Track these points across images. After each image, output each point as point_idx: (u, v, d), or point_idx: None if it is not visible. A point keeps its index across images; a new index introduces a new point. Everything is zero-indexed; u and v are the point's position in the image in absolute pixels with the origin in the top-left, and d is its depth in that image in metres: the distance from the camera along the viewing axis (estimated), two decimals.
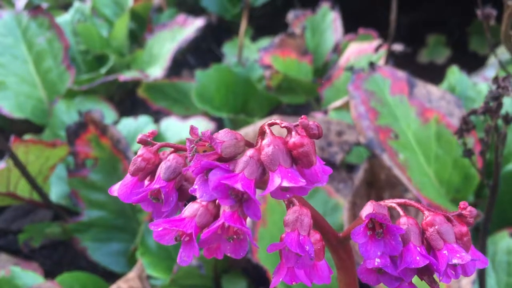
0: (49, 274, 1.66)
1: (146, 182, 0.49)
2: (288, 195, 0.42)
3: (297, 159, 0.41)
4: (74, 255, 1.83)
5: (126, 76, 2.03)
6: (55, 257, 1.82)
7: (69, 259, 1.82)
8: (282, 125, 0.42)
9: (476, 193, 1.47)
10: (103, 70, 2.11)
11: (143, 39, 2.37)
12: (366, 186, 1.45)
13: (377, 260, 0.47)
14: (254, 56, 2.35)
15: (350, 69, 1.31)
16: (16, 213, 2.02)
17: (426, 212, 0.50)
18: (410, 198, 1.40)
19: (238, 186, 0.40)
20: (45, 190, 1.63)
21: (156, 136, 1.91)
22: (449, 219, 0.50)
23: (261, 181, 0.43)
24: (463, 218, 0.51)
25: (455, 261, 0.47)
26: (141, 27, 2.70)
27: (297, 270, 0.46)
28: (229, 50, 2.63)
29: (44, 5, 2.19)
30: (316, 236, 0.48)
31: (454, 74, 1.69)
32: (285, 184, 0.40)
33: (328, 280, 0.48)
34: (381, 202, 0.49)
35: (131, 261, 1.58)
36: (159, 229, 0.42)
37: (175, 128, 1.82)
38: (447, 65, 2.62)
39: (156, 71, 2.10)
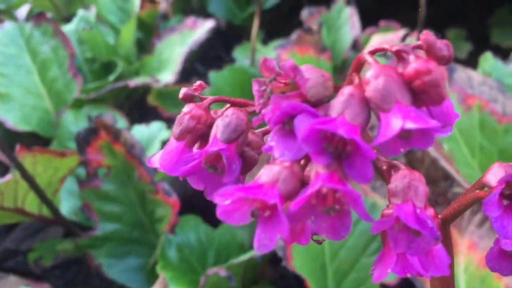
0: None
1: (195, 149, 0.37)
2: (402, 149, 0.30)
3: (420, 94, 0.29)
4: (88, 274, 1.71)
5: (136, 81, 1.92)
6: (68, 277, 1.69)
7: (83, 278, 1.70)
8: (394, 48, 0.30)
9: None
10: (112, 77, 2.00)
11: (151, 45, 2.27)
12: None
13: None
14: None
15: (384, 55, 1.19)
16: (25, 233, 1.90)
17: None
18: (460, 193, 1.28)
19: (341, 131, 0.28)
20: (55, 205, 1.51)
21: None
22: None
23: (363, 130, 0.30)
24: None
25: None
26: (148, 36, 2.60)
27: (410, 257, 0.34)
28: (240, 55, 2.52)
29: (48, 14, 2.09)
30: (430, 210, 0.35)
31: (489, 61, 1.58)
32: (410, 125, 0.27)
33: (447, 271, 0.36)
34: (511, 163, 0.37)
35: (151, 277, 1.45)
36: (226, 202, 0.29)
37: None
38: (468, 60, 2.50)
39: (167, 76, 1.99)
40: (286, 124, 0.30)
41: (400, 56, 0.30)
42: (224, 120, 0.34)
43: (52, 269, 1.70)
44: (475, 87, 1.29)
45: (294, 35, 1.87)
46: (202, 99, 0.37)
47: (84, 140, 1.44)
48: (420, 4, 1.36)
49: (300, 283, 1.47)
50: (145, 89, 2.19)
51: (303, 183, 0.31)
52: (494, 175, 0.36)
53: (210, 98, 0.37)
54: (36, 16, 1.96)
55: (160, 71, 2.10)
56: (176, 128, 0.36)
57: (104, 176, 1.50)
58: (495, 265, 0.36)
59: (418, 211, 0.32)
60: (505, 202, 0.35)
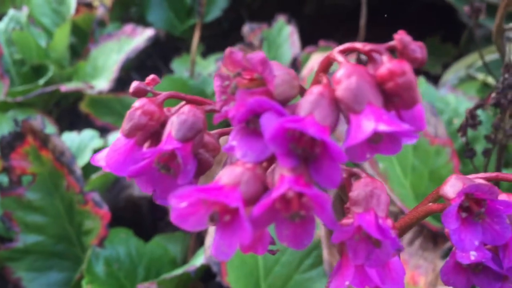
0: None
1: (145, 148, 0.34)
2: (368, 155, 0.29)
3: (392, 96, 0.28)
4: None
5: (68, 86, 1.84)
6: None
7: None
8: (366, 48, 0.29)
9: None
10: (42, 81, 1.90)
11: (86, 50, 2.19)
12: (341, 202, 1.34)
13: (473, 253, 0.34)
14: (206, 72, 2.22)
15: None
16: None
17: None
18: (393, 212, 1.30)
19: (312, 131, 0.26)
20: None
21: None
22: None
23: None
24: None
25: None
26: (82, 42, 2.51)
27: (369, 269, 0.33)
28: (178, 67, 2.48)
29: None
30: (389, 221, 0.34)
31: (422, 85, 1.64)
32: (383, 128, 0.26)
33: (403, 284, 0.35)
34: (469, 176, 0.37)
35: None
36: (182, 204, 0.26)
37: None
38: None
39: (102, 83, 1.91)
40: (250, 123, 0.28)
41: (371, 56, 0.29)
42: (180, 117, 0.32)
43: None
44: None
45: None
46: (155, 95, 0.34)
47: (9, 144, 1.35)
48: (360, 27, 1.39)
49: None
50: (76, 96, 2.10)
51: (265, 187, 0.29)
52: (452, 187, 0.35)
53: (165, 93, 0.34)
54: None
55: (94, 77, 2.02)
56: (126, 124, 0.33)
57: (28, 184, 1.40)
58: (450, 278, 0.36)
59: (380, 221, 0.31)
60: (463, 214, 0.35)
